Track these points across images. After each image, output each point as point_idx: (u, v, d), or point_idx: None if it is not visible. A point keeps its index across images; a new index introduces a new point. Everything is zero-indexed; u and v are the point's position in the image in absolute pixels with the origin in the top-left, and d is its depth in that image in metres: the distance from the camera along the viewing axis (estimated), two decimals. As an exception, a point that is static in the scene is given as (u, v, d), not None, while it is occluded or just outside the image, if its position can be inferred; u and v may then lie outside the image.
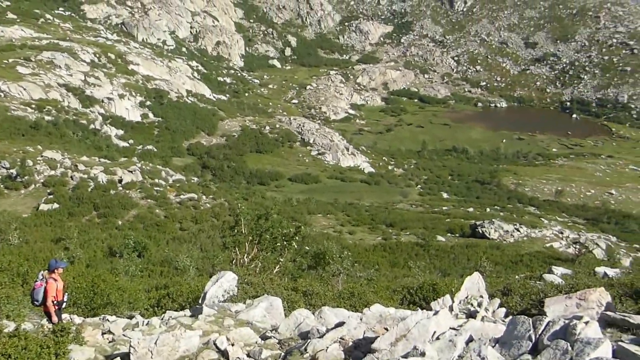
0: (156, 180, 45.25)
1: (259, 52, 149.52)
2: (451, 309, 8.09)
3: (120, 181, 42.71)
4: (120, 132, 68.62)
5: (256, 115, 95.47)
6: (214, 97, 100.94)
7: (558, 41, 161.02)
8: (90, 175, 42.40)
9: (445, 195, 68.63)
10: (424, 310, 7.10)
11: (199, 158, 70.18)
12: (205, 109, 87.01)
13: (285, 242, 14.90)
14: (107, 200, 37.99)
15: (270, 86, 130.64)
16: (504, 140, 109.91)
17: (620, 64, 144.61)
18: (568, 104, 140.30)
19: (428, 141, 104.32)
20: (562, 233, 44.78)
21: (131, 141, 67.32)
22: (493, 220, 44.05)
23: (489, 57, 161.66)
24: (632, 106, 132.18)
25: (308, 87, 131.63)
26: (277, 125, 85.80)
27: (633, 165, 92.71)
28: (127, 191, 41.09)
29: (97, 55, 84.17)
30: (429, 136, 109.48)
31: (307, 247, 25.71)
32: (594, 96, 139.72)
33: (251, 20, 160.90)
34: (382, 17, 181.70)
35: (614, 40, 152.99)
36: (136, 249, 25.92)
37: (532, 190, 74.32)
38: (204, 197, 44.45)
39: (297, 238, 15.08)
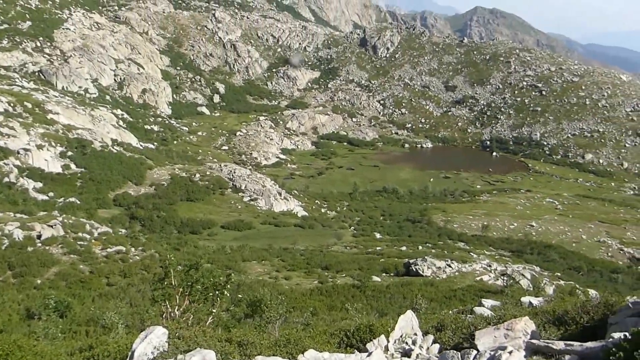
0: (80, 234, 43.16)
1: (187, 100, 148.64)
2: (386, 349, 8.08)
3: (39, 237, 40.17)
4: (39, 184, 65.41)
5: (186, 163, 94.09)
6: (141, 145, 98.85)
7: (475, 84, 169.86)
8: (4, 232, 39.70)
9: (378, 236, 69.46)
10: (359, 353, 7.06)
11: (127, 209, 67.84)
12: (132, 158, 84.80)
13: (217, 292, 14.53)
14: (24, 258, 35.36)
15: (200, 133, 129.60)
16: (432, 179, 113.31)
17: (531, 105, 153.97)
18: (488, 142, 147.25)
19: (359, 183, 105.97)
20: (490, 266, 46.15)
21: (51, 194, 64.24)
22: (425, 257, 44.89)
23: (413, 100, 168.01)
24: (545, 143, 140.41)
25: (238, 133, 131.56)
26: (208, 173, 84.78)
27: (549, 198, 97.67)
28: (47, 247, 38.75)
29: (12, 105, 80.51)
30: (359, 178, 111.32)
31: (240, 296, 25.17)
32: (510, 135, 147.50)
33: (178, 68, 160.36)
34: (309, 63, 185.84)
35: (524, 83, 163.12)
36: (58, 308, 24.14)
37: (461, 226, 76.57)
38: (132, 249, 42.82)
39: (228, 287, 14.73)
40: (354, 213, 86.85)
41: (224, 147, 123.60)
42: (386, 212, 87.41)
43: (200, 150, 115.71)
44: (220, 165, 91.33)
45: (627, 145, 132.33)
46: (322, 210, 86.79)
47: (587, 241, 71.31)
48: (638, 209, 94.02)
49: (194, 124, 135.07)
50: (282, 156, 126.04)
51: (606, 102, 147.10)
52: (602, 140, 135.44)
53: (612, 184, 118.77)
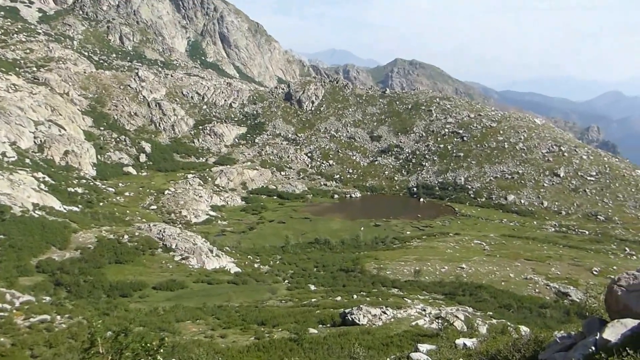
0: (-1, 306, 40.72)
1: (112, 160, 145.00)
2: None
3: (-46, 312, 37.69)
4: (-47, 255, 61.40)
5: (113, 225, 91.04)
6: (65, 208, 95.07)
7: (399, 133, 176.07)
8: None
9: (312, 287, 69.23)
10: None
11: (51, 275, 64.49)
12: (55, 222, 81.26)
13: (149, 357, 14.11)
14: (-62, 336, 33.12)
15: (127, 194, 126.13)
16: (362, 228, 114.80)
17: (454, 151, 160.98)
18: (415, 189, 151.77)
19: (291, 236, 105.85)
20: (424, 310, 46.90)
21: (-33, 265, 60.35)
22: (361, 306, 45.07)
23: (340, 151, 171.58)
24: (469, 187, 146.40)
25: (166, 192, 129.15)
26: (137, 233, 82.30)
27: (477, 240, 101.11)
28: (-37, 322, 36.32)
29: None
30: (291, 231, 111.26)
31: (174, 359, 24.38)
32: (436, 180, 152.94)
33: (102, 128, 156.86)
34: (236, 119, 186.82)
35: (446, 130, 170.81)
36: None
37: (393, 273, 77.60)
38: (58, 317, 40.64)
39: (162, 351, 14.35)
40: (287, 266, 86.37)
41: (152, 207, 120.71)
42: (319, 263, 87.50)
43: (128, 211, 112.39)
44: (150, 225, 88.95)
45: (545, 185, 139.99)
46: (255, 266, 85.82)
47: (515, 279, 73.95)
48: (560, 245, 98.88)
49: (120, 184, 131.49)
50: (212, 213, 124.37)
51: (523, 144, 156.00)
52: (522, 182, 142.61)
53: (534, 222, 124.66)
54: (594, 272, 78.61)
